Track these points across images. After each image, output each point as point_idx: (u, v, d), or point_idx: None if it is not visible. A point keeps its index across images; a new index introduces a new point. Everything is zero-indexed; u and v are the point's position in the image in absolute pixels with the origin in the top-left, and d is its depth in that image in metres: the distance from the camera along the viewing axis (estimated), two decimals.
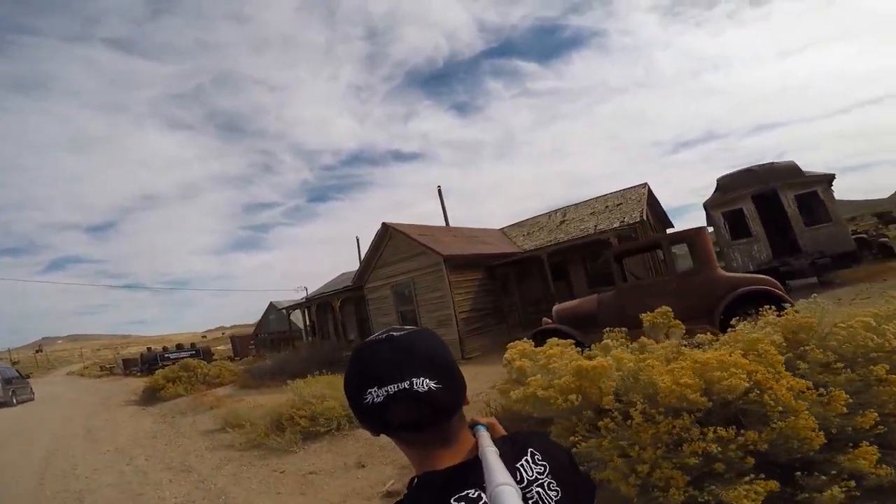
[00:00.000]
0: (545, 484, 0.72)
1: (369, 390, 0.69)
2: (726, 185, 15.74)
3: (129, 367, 44.09)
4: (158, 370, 18.60)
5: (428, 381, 0.69)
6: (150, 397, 16.72)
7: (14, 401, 20.12)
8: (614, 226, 15.24)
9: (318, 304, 22.44)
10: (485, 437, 0.73)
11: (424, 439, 0.72)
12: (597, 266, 16.18)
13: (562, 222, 18.07)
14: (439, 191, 22.22)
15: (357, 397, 0.71)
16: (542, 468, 0.74)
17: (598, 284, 15.67)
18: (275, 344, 35.60)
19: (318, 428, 7.26)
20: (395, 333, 0.75)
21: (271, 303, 36.37)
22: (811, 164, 23.58)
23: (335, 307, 19.35)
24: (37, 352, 71.52)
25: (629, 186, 17.98)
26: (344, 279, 24.81)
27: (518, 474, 0.71)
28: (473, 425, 0.80)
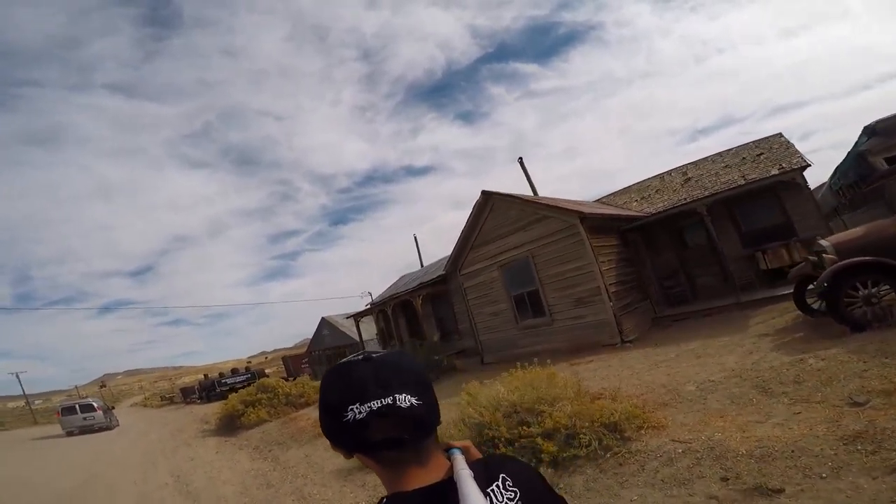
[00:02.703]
0: None
1: (350, 407, 0.67)
2: (887, 129, 12.48)
3: (188, 395, 42.36)
4: (231, 394, 15.92)
5: (410, 397, 0.68)
6: (229, 425, 14.02)
7: (112, 425, 23.85)
8: (772, 173, 11.97)
9: (380, 311, 19.54)
10: (460, 460, 0.71)
11: (400, 458, 0.69)
12: (753, 220, 12.85)
13: (686, 181, 14.76)
14: (520, 161, 19.15)
15: (336, 415, 0.68)
16: (513, 494, 0.69)
17: (755, 243, 12.43)
18: (330, 360, 33.16)
19: (573, 451, 4.24)
20: (372, 355, 0.74)
21: (324, 318, 33.77)
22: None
23: (416, 305, 16.37)
24: (101, 387, 71.08)
25: (760, 138, 14.81)
26: (405, 282, 21.95)
27: (488, 499, 0.66)
28: (448, 448, 0.77)
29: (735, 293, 11.28)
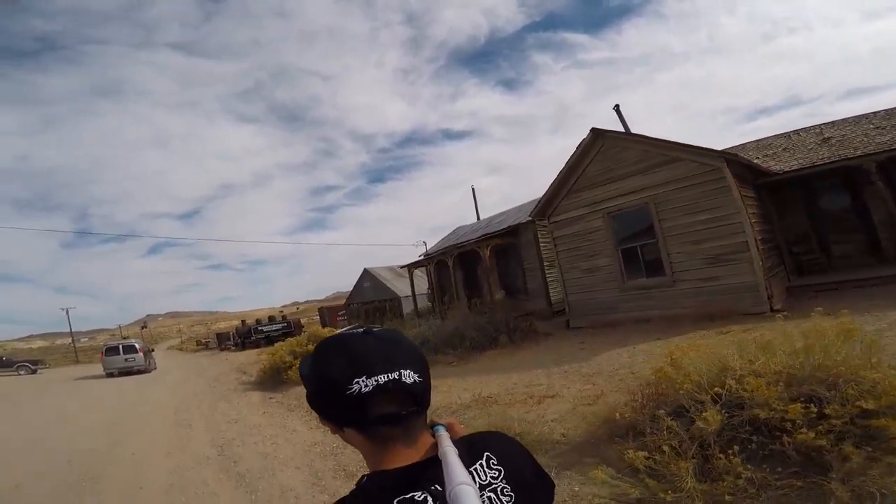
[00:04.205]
0: (498, 489, 0.66)
1: (356, 380, 0.64)
2: None
3: (223, 341, 42.09)
4: (276, 343, 14.27)
5: (413, 373, 0.67)
6: (273, 379, 12.35)
7: (150, 368, 23.09)
8: None
9: (438, 262, 17.32)
10: (444, 438, 0.67)
11: (391, 435, 0.67)
12: None
13: (824, 140, 11.72)
14: (616, 108, 16.20)
15: (339, 387, 0.65)
16: (497, 472, 0.67)
17: None
18: (369, 314, 31.70)
19: None
20: (372, 328, 0.72)
21: (366, 269, 32.02)
22: None
23: (484, 257, 14.09)
24: (142, 328, 73.10)
25: None
26: (462, 234, 19.60)
27: (471, 477, 0.61)
28: (433, 425, 0.73)
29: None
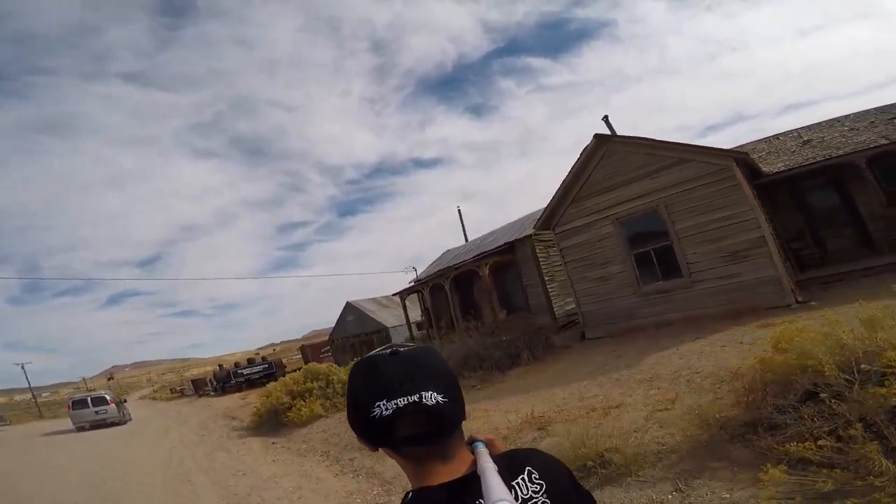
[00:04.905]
0: (539, 503, 0.66)
1: (378, 403, 0.65)
2: None
3: (201, 387, 39.58)
4: (269, 384, 13.20)
5: (436, 394, 0.66)
6: (270, 422, 11.31)
7: (125, 419, 21.35)
8: None
9: (433, 285, 16.70)
10: (484, 454, 0.67)
11: (425, 454, 0.67)
12: None
13: (805, 143, 12.11)
14: (605, 119, 16.34)
15: (364, 411, 0.66)
16: (539, 487, 0.67)
17: None
18: (355, 348, 30.46)
19: None
20: (399, 349, 0.72)
21: (349, 303, 30.92)
22: None
23: (484, 276, 13.61)
24: (109, 379, 68.06)
25: (888, 104, 12.36)
26: (452, 257, 19.14)
27: (513, 492, 0.64)
28: (472, 442, 0.73)
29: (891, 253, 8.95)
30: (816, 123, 13.51)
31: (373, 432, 0.66)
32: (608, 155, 9.68)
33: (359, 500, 4.91)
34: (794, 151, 12.22)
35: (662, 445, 3.74)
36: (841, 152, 10.09)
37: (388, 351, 0.71)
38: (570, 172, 10.10)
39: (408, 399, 0.64)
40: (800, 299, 7.87)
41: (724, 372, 5.09)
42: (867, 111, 12.71)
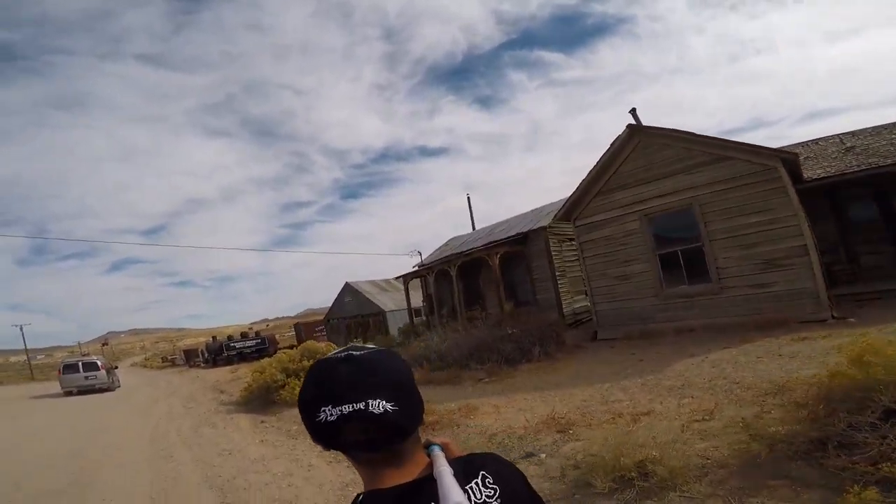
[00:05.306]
0: None
1: (323, 408, 0.63)
2: None
3: (192, 358, 39.32)
4: (264, 359, 12.76)
5: (384, 402, 0.63)
6: (261, 399, 10.85)
7: (114, 386, 20.98)
8: None
9: (439, 271, 16.17)
10: (440, 458, 0.67)
11: (376, 459, 0.65)
12: None
13: (848, 149, 11.48)
14: (633, 112, 15.70)
15: (311, 414, 0.64)
16: (493, 491, 0.65)
17: None
18: (351, 330, 30.05)
19: None
20: (354, 353, 0.68)
21: (347, 283, 30.40)
22: None
23: (494, 265, 13.09)
24: (103, 345, 68.09)
25: None
26: (457, 245, 18.59)
27: (467, 496, 0.62)
28: (428, 445, 0.72)
29: None
30: (860, 130, 12.78)
31: (321, 435, 0.64)
32: (641, 147, 9.11)
33: (354, 494, 4.43)
34: (835, 158, 11.59)
35: (707, 459, 3.28)
36: (889, 161, 9.44)
37: (343, 354, 0.68)
38: (598, 162, 9.54)
39: (353, 406, 0.61)
40: (836, 315, 7.35)
41: (766, 384, 4.62)
42: None
